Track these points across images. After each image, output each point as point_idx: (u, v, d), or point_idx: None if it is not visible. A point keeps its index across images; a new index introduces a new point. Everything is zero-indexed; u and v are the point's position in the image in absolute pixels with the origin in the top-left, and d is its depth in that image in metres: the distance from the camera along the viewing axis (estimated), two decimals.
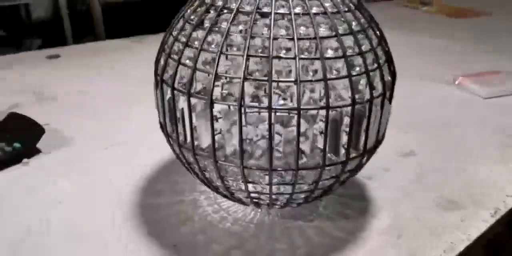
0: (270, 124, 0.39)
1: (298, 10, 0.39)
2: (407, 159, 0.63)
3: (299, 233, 0.49)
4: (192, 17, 0.43)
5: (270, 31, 0.38)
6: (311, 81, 0.39)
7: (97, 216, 0.51)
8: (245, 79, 0.38)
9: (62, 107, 0.79)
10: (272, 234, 0.49)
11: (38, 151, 0.63)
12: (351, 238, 0.48)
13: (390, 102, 0.45)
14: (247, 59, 0.38)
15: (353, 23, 0.41)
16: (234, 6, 0.40)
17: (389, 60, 0.44)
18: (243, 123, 0.45)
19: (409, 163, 0.62)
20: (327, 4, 0.40)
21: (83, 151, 0.65)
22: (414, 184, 0.58)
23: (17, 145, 0.61)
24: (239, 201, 0.48)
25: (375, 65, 0.41)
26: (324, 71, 0.38)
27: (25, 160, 0.61)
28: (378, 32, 0.43)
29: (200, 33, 0.41)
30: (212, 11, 0.41)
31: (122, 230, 0.49)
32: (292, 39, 0.38)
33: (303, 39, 0.38)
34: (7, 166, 0.59)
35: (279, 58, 0.38)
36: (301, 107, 0.38)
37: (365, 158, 0.45)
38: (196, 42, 0.41)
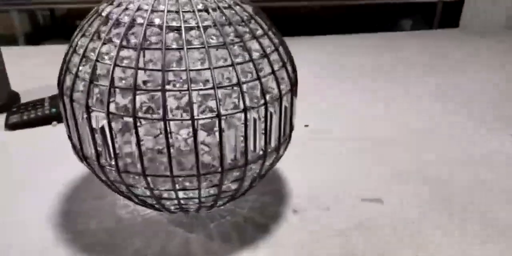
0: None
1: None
2: None
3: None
4: (88, 30, 0.43)
5: (163, 44, 0.39)
6: (230, 85, 0.41)
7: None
8: (136, 90, 0.40)
9: None
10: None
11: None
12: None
13: (295, 96, 0.49)
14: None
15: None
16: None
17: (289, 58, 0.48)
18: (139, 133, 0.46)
19: None
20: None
21: None
22: None
23: (53, 110, 0.77)
24: (167, 210, 0.49)
25: (280, 63, 0.45)
26: (238, 76, 0.41)
27: (54, 122, 0.76)
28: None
29: (95, 45, 0.41)
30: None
31: None
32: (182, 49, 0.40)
33: (192, 48, 0.40)
34: (41, 125, 0.75)
35: (172, 70, 0.40)
36: (195, 117, 0.40)
37: (281, 151, 0.48)
38: (106, 57, 0.41)
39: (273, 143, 0.47)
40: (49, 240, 0.49)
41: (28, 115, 0.76)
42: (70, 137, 0.47)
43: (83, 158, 0.46)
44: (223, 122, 0.42)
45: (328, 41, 1.28)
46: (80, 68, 0.43)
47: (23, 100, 0.85)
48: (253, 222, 0.52)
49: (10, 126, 0.74)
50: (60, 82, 0.44)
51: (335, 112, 0.82)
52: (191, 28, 0.41)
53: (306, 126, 0.75)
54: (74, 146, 0.47)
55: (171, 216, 0.53)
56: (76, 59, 0.43)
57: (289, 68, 0.47)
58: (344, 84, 0.96)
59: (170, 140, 0.42)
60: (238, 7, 0.44)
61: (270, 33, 0.46)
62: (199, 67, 0.40)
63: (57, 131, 0.73)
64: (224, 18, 0.42)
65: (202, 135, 0.46)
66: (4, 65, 0.82)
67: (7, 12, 1.45)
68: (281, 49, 0.46)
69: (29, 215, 0.53)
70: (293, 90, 0.47)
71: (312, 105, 0.84)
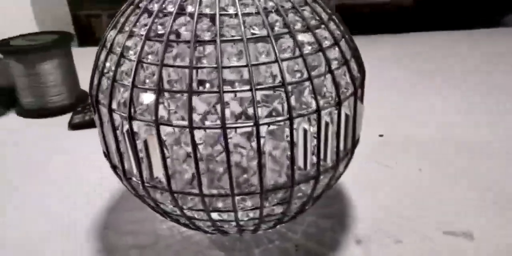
0: (227, 145, 0.33)
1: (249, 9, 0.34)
2: None
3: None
4: (126, 25, 0.37)
5: (217, 36, 0.32)
6: (272, 87, 0.33)
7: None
8: (161, 90, 0.33)
9: None
10: None
11: None
12: None
13: (362, 101, 0.40)
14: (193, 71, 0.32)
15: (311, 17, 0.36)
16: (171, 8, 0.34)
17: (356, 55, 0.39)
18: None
19: None
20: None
21: None
22: None
23: None
24: (203, 230, 0.42)
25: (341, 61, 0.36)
26: (282, 74, 0.33)
27: None
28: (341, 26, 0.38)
29: (132, 42, 0.35)
30: (146, 16, 0.36)
31: None
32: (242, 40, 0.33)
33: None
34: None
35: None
36: (227, 125, 0.32)
37: (340, 168, 0.39)
38: (131, 53, 0.35)
39: (329, 160, 0.38)
40: (83, 253, 0.45)
41: (90, 115, 0.74)
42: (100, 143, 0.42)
43: (112, 166, 0.41)
44: (262, 132, 0.34)
45: (412, 38, 1.13)
46: (107, 64, 0.38)
47: None
48: (307, 251, 0.44)
49: (73, 126, 0.73)
50: (92, 83, 0.40)
51: (417, 119, 0.70)
52: (228, 16, 0.34)
53: (381, 136, 0.64)
54: (104, 153, 0.42)
55: (212, 237, 0.46)
56: (103, 55, 0.38)
57: (354, 65, 0.38)
58: (429, 85, 0.83)
59: (198, 154, 0.35)
60: None
61: (329, 22, 0.37)
62: (235, 64, 0.33)
63: None
64: (270, 3, 0.35)
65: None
66: (73, 63, 0.81)
67: (99, 17, 1.48)
68: (343, 42, 0.37)
69: (68, 223, 0.50)
70: (358, 94, 0.38)
71: (390, 110, 0.73)
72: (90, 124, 0.72)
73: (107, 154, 0.40)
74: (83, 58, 0.81)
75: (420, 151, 0.60)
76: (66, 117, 0.76)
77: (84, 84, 0.84)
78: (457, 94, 0.78)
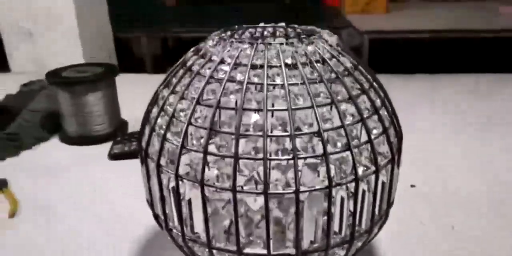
0: (267, 210, 0.34)
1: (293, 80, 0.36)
2: None
3: None
4: (178, 86, 0.39)
5: (241, 103, 0.34)
6: (313, 156, 0.35)
7: None
8: (206, 154, 0.35)
9: None
10: None
11: None
12: None
13: (398, 166, 0.41)
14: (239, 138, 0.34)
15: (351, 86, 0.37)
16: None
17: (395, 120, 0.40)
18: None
19: None
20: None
21: None
22: None
23: None
24: None
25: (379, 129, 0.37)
26: (324, 145, 0.34)
27: None
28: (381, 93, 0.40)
29: (185, 104, 0.38)
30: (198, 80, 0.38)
31: None
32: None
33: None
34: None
35: (275, 136, 0.35)
36: (300, 189, 0.34)
37: (374, 231, 0.40)
38: (182, 114, 0.38)
39: (363, 224, 0.39)
40: None
41: (129, 146, 0.77)
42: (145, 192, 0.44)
43: (154, 215, 0.43)
44: (302, 198, 0.35)
45: (449, 80, 1.13)
46: (158, 121, 0.40)
47: (131, 129, 0.87)
48: None
49: (112, 156, 0.76)
50: (141, 135, 0.42)
51: (452, 168, 0.70)
52: (275, 86, 0.36)
53: (413, 186, 0.64)
54: (147, 201, 0.44)
55: None
56: (155, 111, 0.40)
57: (392, 132, 0.39)
58: (464, 133, 0.83)
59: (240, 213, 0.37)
60: (334, 60, 0.38)
61: (370, 90, 0.38)
62: (280, 133, 0.35)
63: None
64: (315, 74, 0.36)
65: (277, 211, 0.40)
66: (116, 94, 0.85)
67: (138, 38, 1.52)
68: (383, 110, 0.39)
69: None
70: (395, 161, 0.39)
71: (422, 160, 0.73)
72: (128, 155, 0.75)
73: (150, 203, 0.42)
74: (124, 85, 0.85)
75: (463, 200, 0.60)
76: (106, 145, 0.79)
77: (124, 112, 0.88)
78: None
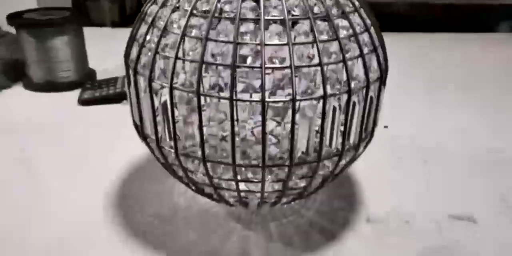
0: (263, 118, 0.35)
1: None
2: None
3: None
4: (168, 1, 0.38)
5: (238, 13, 0.34)
6: (309, 65, 0.35)
7: None
8: (203, 63, 0.35)
9: None
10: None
11: None
12: None
13: (384, 86, 0.42)
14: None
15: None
16: None
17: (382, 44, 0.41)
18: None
19: None
20: None
21: None
22: None
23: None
24: (226, 202, 0.44)
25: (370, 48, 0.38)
26: (320, 55, 0.35)
27: (124, 101, 0.74)
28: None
29: (176, 16, 0.37)
30: None
31: None
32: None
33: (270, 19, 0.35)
34: (112, 103, 0.74)
35: (244, 43, 0.35)
36: (297, 98, 0.35)
37: (360, 149, 0.42)
38: (175, 26, 0.37)
39: (352, 139, 0.40)
40: (101, 223, 0.46)
41: (100, 92, 0.75)
42: (132, 113, 0.43)
43: (142, 136, 0.42)
44: (297, 108, 0.36)
45: (420, 37, 1.17)
46: (148, 37, 0.39)
47: (99, 78, 0.84)
48: (319, 227, 0.46)
49: (82, 102, 0.74)
50: (127, 54, 0.41)
51: (422, 117, 0.73)
52: None
53: (386, 127, 0.66)
54: (134, 123, 0.43)
55: (229, 209, 0.48)
56: (143, 28, 0.39)
57: (381, 53, 0.40)
58: (435, 86, 0.86)
59: (236, 128, 0.37)
60: None
61: (362, 11, 0.39)
62: (276, 42, 0.35)
63: (127, 110, 0.71)
64: None
65: (271, 125, 0.40)
66: (84, 44, 0.82)
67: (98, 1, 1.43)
68: (372, 30, 0.39)
69: (85, 193, 0.51)
70: (383, 79, 0.40)
71: (396, 104, 0.75)
72: (98, 101, 0.74)
73: (138, 125, 0.42)
74: (88, 39, 0.82)
75: (427, 147, 0.63)
76: (74, 93, 0.77)
77: (92, 62, 0.85)
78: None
